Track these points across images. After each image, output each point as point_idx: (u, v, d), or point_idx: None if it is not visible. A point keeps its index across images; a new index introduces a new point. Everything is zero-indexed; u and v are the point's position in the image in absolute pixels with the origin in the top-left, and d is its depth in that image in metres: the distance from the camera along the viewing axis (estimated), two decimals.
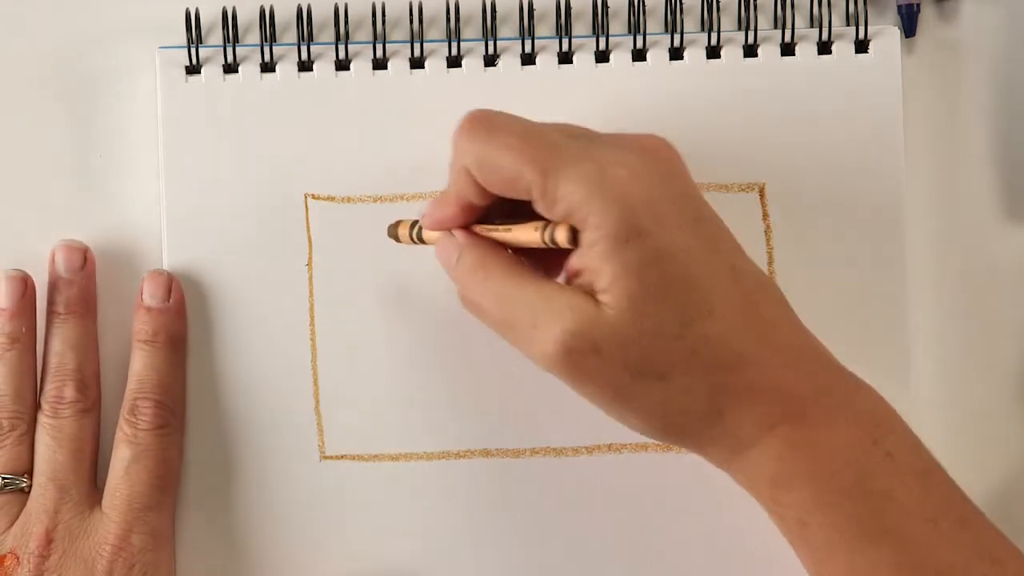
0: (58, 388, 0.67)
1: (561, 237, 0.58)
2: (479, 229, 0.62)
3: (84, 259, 0.68)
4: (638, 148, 0.60)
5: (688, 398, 0.58)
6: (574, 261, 0.58)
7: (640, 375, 0.57)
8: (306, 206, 0.69)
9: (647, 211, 0.57)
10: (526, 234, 0.60)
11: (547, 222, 0.59)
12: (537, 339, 0.58)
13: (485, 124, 0.59)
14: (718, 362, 0.57)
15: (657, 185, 0.58)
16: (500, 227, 0.61)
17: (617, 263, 0.57)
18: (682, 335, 0.57)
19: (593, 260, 0.57)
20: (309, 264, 0.69)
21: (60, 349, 0.68)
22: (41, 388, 0.68)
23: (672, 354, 0.57)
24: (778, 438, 0.58)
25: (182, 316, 0.69)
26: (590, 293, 0.58)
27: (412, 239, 0.65)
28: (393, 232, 0.67)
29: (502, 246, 0.61)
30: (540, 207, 0.59)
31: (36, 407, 0.67)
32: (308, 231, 0.69)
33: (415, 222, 0.65)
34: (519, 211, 0.60)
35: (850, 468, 0.58)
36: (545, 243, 0.59)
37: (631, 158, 0.58)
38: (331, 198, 0.69)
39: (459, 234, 0.62)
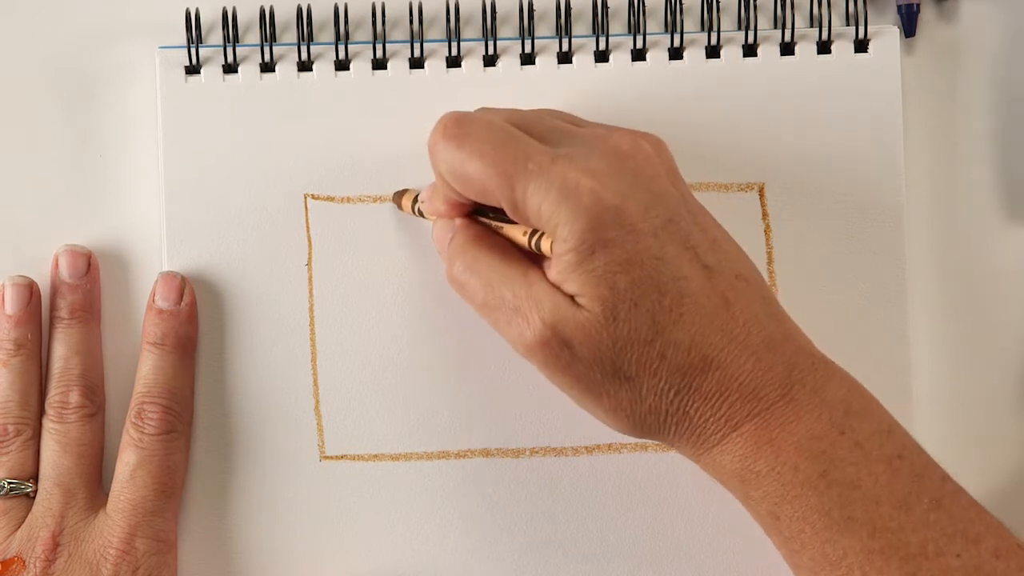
0: (63, 393, 0.67)
1: (546, 247, 0.59)
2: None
3: (88, 264, 0.68)
4: (610, 151, 0.60)
5: (656, 399, 0.59)
6: (550, 270, 0.59)
7: (611, 375, 0.59)
8: (306, 206, 0.69)
9: (614, 220, 0.58)
10: (515, 235, 0.61)
11: (528, 236, 0.60)
12: (516, 324, 0.59)
13: (456, 131, 0.60)
14: (686, 366, 0.58)
15: (626, 190, 0.58)
16: (493, 223, 0.62)
17: (585, 272, 0.58)
18: (653, 340, 0.58)
19: (563, 271, 0.58)
20: (309, 264, 0.69)
21: (65, 354, 0.68)
22: (46, 393, 0.68)
23: (642, 358, 0.58)
24: (743, 437, 0.59)
25: (193, 320, 0.68)
26: (566, 301, 0.59)
27: (413, 211, 0.67)
28: (398, 200, 0.68)
29: (495, 231, 0.62)
30: (512, 217, 0.60)
31: (41, 412, 0.68)
32: (308, 231, 0.69)
33: (418, 196, 0.66)
34: None
35: (815, 461, 0.58)
36: (531, 249, 0.60)
37: (600, 163, 0.59)
38: (331, 198, 0.69)
39: (454, 216, 0.63)
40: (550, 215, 0.58)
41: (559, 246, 0.58)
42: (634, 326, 0.58)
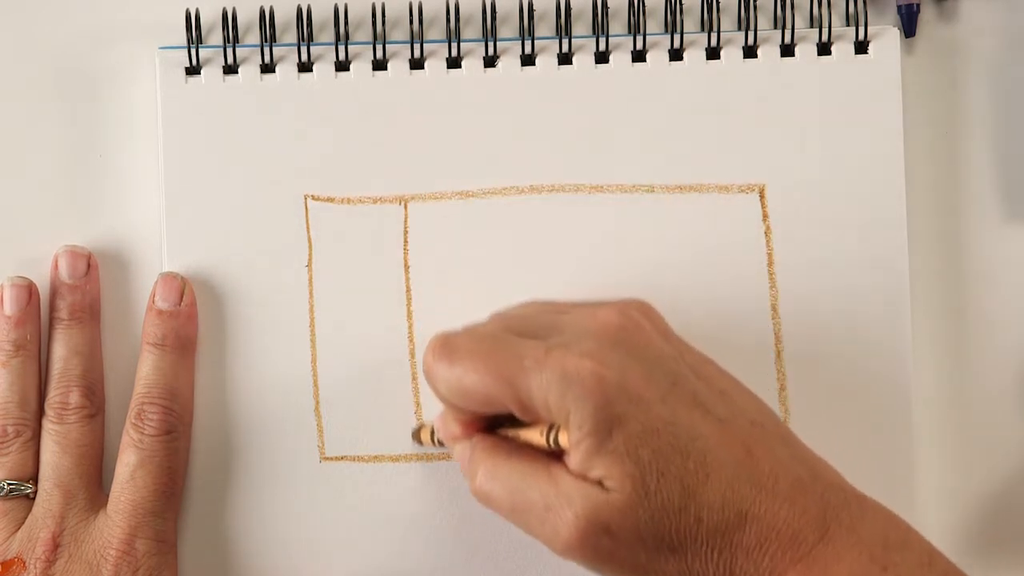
0: (63, 394, 0.67)
1: (564, 440, 0.58)
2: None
3: (88, 265, 0.68)
4: (599, 328, 0.60)
5: (703, 564, 0.58)
6: (571, 460, 0.58)
7: (654, 551, 0.58)
8: (306, 207, 0.69)
9: (621, 395, 0.57)
10: (532, 438, 0.60)
11: (545, 433, 0.59)
12: (550, 524, 0.58)
13: (446, 351, 0.60)
14: (723, 525, 0.57)
15: (625, 364, 0.58)
16: (509, 432, 0.61)
17: (608, 454, 0.57)
18: (686, 506, 0.57)
19: (584, 457, 0.57)
20: (309, 264, 0.69)
21: (65, 355, 0.68)
22: (46, 394, 0.68)
23: (680, 526, 0.57)
24: None
25: (193, 320, 0.68)
26: (596, 482, 0.58)
27: (434, 443, 0.66)
28: (416, 437, 0.68)
29: (512, 439, 0.61)
30: (523, 418, 0.59)
31: (41, 413, 0.68)
32: (308, 231, 0.69)
33: (433, 428, 0.66)
34: None
35: None
36: (550, 447, 0.59)
37: (593, 343, 0.58)
38: (331, 199, 0.69)
39: (469, 434, 0.62)
40: (558, 406, 0.57)
41: (574, 434, 0.57)
42: (666, 496, 0.57)
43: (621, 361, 0.58)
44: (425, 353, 0.61)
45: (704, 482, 0.57)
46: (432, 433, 0.66)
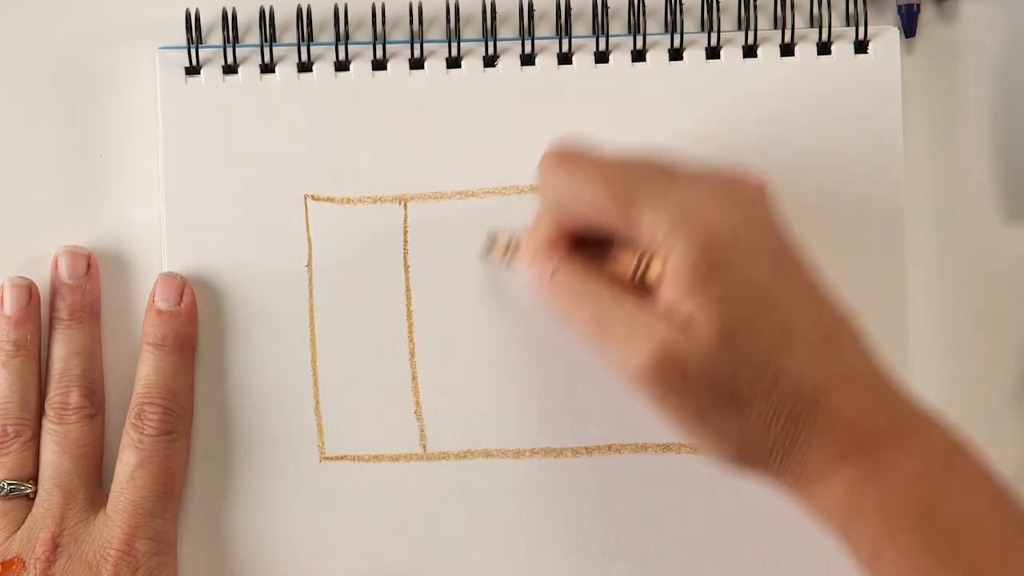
0: (63, 394, 0.67)
1: (653, 275, 0.59)
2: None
3: (88, 265, 0.69)
4: (720, 182, 0.60)
5: (764, 428, 0.58)
6: (663, 292, 0.58)
7: (722, 402, 0.58)
8: (306, 207, 0.69)
9: (730, 243, 0.58)
10: (618, 268, 0.60)
11: (638, 259, 0.59)
12: (628, 351, 0.58)
13: (568, 158, 0.61)
14: (796, 394, 0.57)
15: (739, 218, 0.59)
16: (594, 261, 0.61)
17: (703, 296, 0.57)
18: (765, 366, 0.57)
19: (679, 292, 0.58)
20: (309, 265, 0.69)
21: (65, 355, 0.68)
22: (46, 394, 0.68)
23: (754, 385, 0.57)
24: (850, 470, 0.58)
25: (193, 320, 0.69)
26: (683, 320, 0.58)
27: (506, 254, 0.66)
28: (488, 249, 0.67)
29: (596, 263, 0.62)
30: (621, 238, 0.60)
31: (41, 413, 0.68)
32: (308, 232, 0.69)
33: (509, 241, 0.66)
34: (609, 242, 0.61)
35: (922, 499, 0.57)
36: (635, 283, 0.59)
37: (714, 192, 0.59)
38: (331, 199, 0.69)
39: (556, 252, 0.62)
40: (666, 237, 0.58)
41: (675, 266, 0.58)
42: (750, 350, 0.57)
43: (737, 216, 0.59)
44: (544, 157, 0.61)
45: (789, 348, 0.57)
46: (508, 245, 0.66)
